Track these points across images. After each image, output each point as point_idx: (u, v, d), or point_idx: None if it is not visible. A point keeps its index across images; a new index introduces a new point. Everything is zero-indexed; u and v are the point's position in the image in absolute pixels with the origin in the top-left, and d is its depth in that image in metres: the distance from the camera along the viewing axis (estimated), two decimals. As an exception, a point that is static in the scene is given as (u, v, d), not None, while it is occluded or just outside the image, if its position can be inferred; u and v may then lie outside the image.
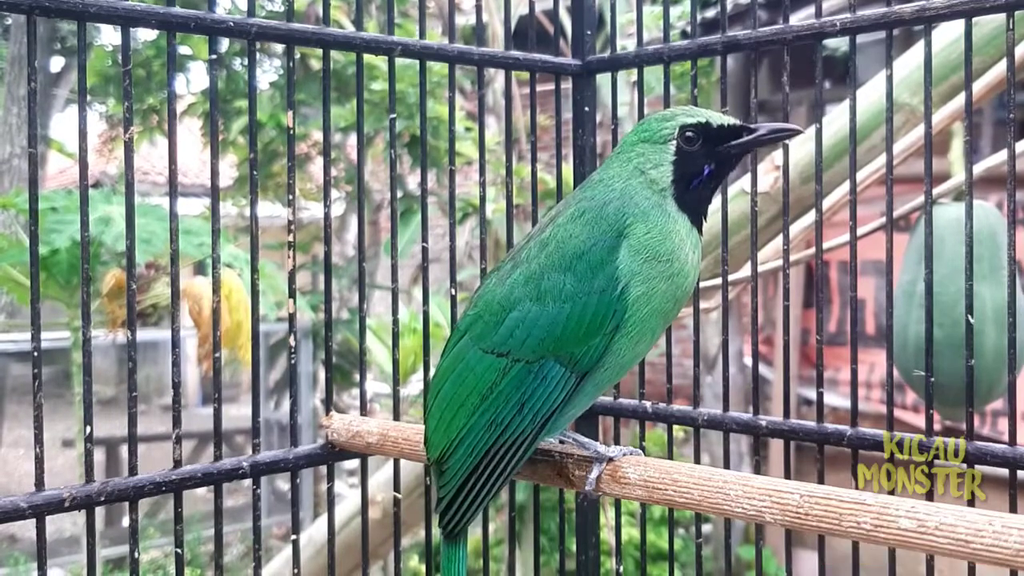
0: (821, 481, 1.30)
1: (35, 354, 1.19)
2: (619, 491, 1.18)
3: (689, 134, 1.16)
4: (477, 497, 1.15)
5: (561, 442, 1.25)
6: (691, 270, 1.16)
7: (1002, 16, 1.27)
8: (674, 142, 1.16)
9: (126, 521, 2.47)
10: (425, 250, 1.52)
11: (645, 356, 1.26)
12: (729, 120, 1.19)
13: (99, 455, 7.48)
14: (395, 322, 1.52)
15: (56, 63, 9.18)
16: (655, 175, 1.16)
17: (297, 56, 1.46)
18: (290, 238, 1.40)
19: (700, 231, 1.18)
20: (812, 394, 5.85)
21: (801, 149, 2.05)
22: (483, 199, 1.58)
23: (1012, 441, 1.31)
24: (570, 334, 1.12)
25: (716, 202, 1.97)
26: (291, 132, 1.40)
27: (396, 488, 1.51)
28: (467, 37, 5.40)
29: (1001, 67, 1.85)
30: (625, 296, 1.12)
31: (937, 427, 1.32)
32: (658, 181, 1.16)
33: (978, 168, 1.75)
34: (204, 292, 3.16)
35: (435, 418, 1.18)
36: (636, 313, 1.12)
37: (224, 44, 5.97)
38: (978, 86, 1.81)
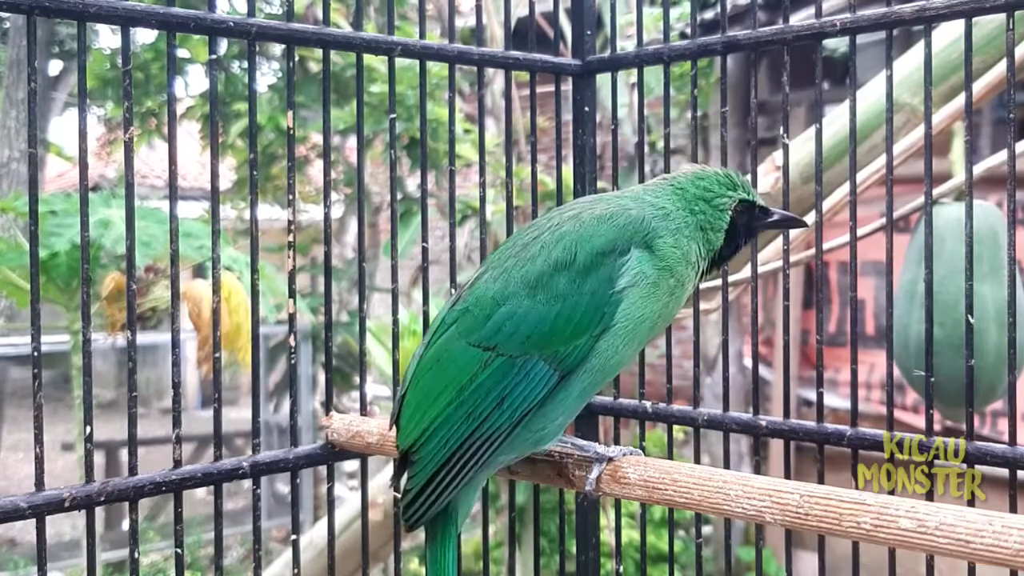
0: (821, 481, 1.30)
1: (35, 354, 1.19)
2: (619, 491, 1.18)
3: (741, 209, 1.24)
4: (445, 489, 1.15)
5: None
6: (682, 302, 1.22)
7: (1002, 16, 1.27)
8: (730, 213, 1.23)
9: (126, 524, 2.47)
10: (425, 251, 1.52)
11: (633, 361, 1.28)
12: (760, 199, 1.27)
13: (99, 458, 7.48)
14: (395, 323, 1.52)
15: (55, 66, 9.18)
16: (712, 237, 1.23)
17: (296, 58, 1.47)
18: (290, 239, 1.40)
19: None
20: (812, 395, 5.85)
21: (801, 149, 2.05)
22: (483, 200, 1.58)
23: (1012, 441, 1.31)
24: (558, 332, 1.13)
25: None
26: (291, 133, 1.40)
27: (396, 489, 1.51)
28: (466, 39, 5.40)
29: (1001, 67, 1.85)
30: (620, 298, 1.14)
31: (937, 427, 1.33)
32: (713, 241, 1.23)
33: (978, 168, 1.75)
34: (204, 294, 3.16)
35: (411, 407, 1.18)
36: (633, 314, 1.14)
37: (223, 45, 5.98)
38: (978, 86, 1.81)
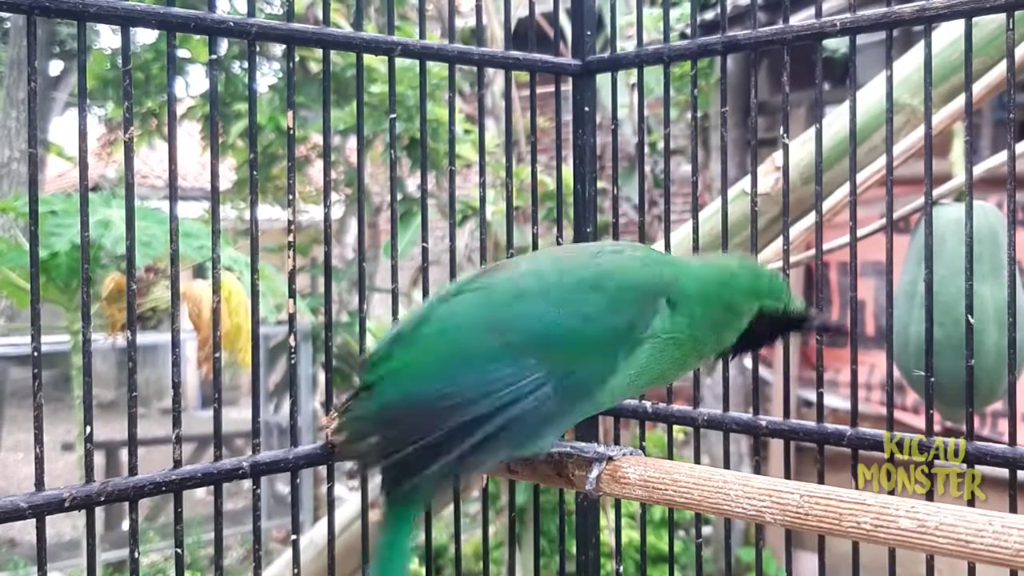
0: (821, 481, 1.30)
1: (35, 354, 1.19)
2: (619, 491, 1.18)
3: (763, 314, 1.22)
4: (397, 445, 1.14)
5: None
6: (679, 375, 1.26)
7: (1002, 16, 1.27)
8: (749, 319, 1.22)
9: (126, 524, 2.47)
10: (425, 252, 1.52)
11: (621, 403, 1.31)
12: (799, 305, 1.24)
13: (99, 459, 7.48)
14: (395, 324, 1.52)
15: (55, 67, 9.19)
16: (724, 337, 1.22)
17: (296, 58, 1.47)
18: (290, 239, 1.40)
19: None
20: (812, 396, 5.85)
21: (801, 150, 2.05)
22: (483, 201, 1.58)
23: (1012, 441, 1.31)
24: (569, 346, 1.14)
25: (717, 203, 1.98)
26: (291, 133, 1.40)
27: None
28: (466, 39, 5.40)
29: (1001, 67, 1.85)
30: (634, 340, 1.15)
31: (937, 427, 1.32)
32: (723, 341, 1.22)
33: (978, 169, 1.75)
34: (204, 295, 3.15)
35: (399, 345, 1.17)
36: (637, 361, 1.17)
37: (224, 45, 5.98)
38: (978, 87, 1.81)
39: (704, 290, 1.20)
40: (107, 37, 7.95)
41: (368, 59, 1.47)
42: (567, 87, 1.68)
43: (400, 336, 1.19)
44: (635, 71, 1.62)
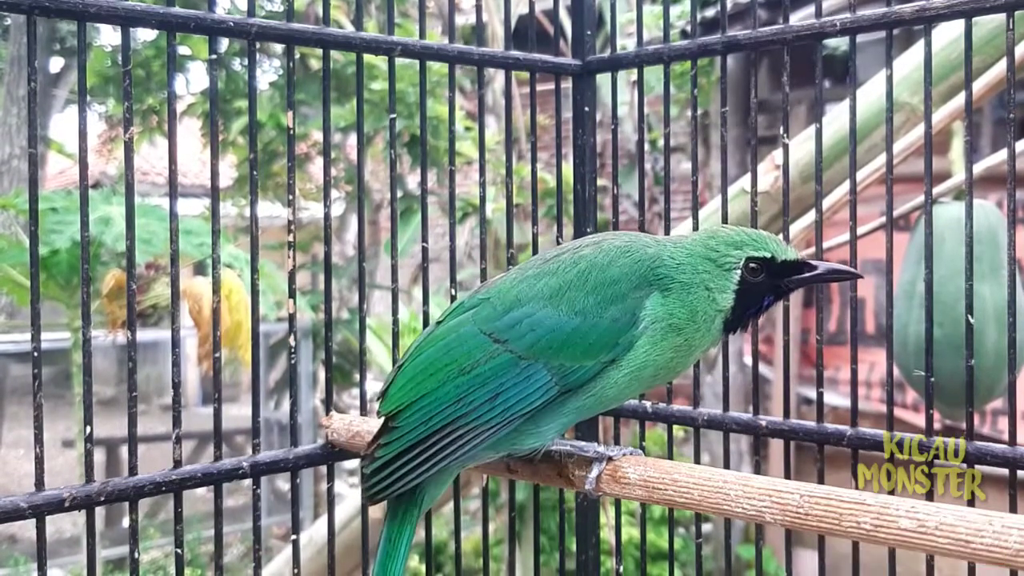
0: (821, 481, 1.30)
1: (35, 354, 1.19)
2: (619, 491, 1.18)
3: (753, 266, 1.18)
4: (416, 468, 1.14)
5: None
6: (688, 362, 1.21)
7: (1002, 16, 1.27)
8: (739, 272, 1.18)
9: (126, 521, 2.47)
10: (425, 250, 1.52)
11: (630, 399, 1.28)
12: (792, 254, 1.20)
13: (99, 455, 7.48)
14: (395, 322, 1.52)
15: (56, 63, 9.17)
16: (718, 298, 1.17)
17: (297, 56, 1.47)
18: (290, 238, 1.40)
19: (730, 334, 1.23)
20: (812, 393, 5.85)
21: (801, 148, 2.05)
22: (483, 199, 1.58)
23: (1012, 441, 1.31)
24: (570, 346, 1.14)
25: (716, 201, 1.98)
26: (291, 132, 1.40)
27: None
28: (467, 37, 5.40)
29: (1001, 66, 1.85)
30: (635, 336, 1.14)
31: (937, 427, 1.32)
32: (719, 302, 1.17)
33: (978, 167, 1.75)
34: (204, 292, 3.16)
35: (406, 376, 1.17)
36: (638, 356, 1.15)
37: (224, 44, 5.97)
38: (978, 85, 1.81)
39: (689, 252, 1.18)
40: (108, 34, 7.93)
41: (368, 57, 1.47)
42: (567, 84, 1.68)
43: (408, 361, 1.20)
44: (635, 69, 1.62)
